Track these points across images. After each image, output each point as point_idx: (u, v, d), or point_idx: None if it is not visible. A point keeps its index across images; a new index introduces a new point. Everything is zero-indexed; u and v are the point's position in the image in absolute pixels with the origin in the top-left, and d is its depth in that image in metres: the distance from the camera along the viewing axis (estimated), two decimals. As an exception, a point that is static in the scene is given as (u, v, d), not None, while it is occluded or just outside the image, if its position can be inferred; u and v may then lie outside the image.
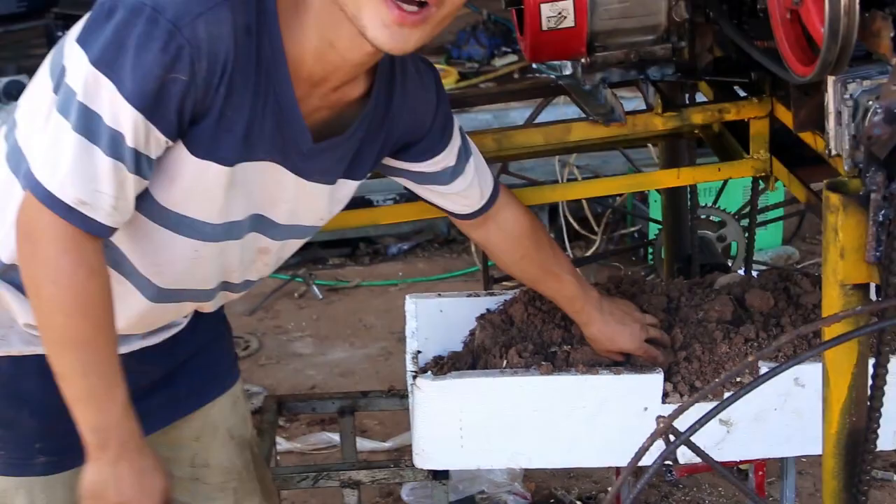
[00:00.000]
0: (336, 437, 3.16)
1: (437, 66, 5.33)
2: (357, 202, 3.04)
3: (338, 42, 1.52)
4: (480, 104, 4.09)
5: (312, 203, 1.71)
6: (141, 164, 1.46)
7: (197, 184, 1.54)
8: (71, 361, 1.51)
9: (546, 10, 1.92)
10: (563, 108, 3.12)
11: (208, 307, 1.83)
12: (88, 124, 1.41)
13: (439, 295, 2.39)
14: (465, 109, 4.34)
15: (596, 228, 4.55)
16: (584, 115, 2.20)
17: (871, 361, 1.62)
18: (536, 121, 2.91)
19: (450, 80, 5.17)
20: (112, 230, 1.50)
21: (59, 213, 1.43)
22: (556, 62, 2.17)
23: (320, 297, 4.60)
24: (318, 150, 1.62)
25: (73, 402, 1.52)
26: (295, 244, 1.80)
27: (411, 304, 2.34)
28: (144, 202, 1.54)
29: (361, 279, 4.71)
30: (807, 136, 1.84)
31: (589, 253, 4.47)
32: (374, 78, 1.65)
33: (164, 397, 1.85)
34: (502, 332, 2.21)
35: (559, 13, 1.93)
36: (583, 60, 2.04)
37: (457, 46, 5.57)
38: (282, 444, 3.47)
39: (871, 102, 1.55)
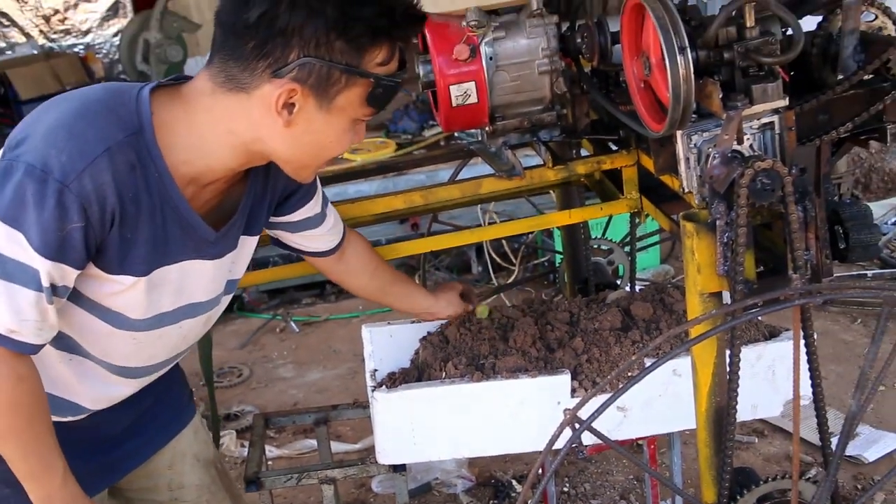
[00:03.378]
0: (315, 443, 3.12)
1: (378, 139, 5.36)
2: None
3: (240, 168, 1.54)
4: (414, 168, 4.09)
5: (226, 269, 1.68)
6: (59, 292, 1.43)
7: (118, 291, 1.50)
8: (12, 449, 1.48)
9: (454, 90, 1.93)
10: (481, 167, 3.13)
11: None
12: (10, 269, 1.37)
13: (389, 323, 2.38)
14: (403, 172, 4.34)
15: (514, 260, 4.57)
16: (493, 172, 2.21)
17: (728, 352, 1.64)
18: (459, 177, 2.93)
19: (389, 150, 5.18)
20: (40, 346, 1.45)
21: None
22: (466, 131, 2.18)
23: (297, 330, 4.57)
24: (221, 235, 1.59)
25: (22, 480, 1.50)
26: (228, 297, 1.76)
27: (367, 332, 2.34)
28: (78, 300, 1.51)
29: (329, 314, 4.68)
30: (666, 178, 1.86)
31: (510, 280, 4.47)
32: None
33: (139, 440, 1.83)
34: (441, 349, 2.21)
35: (465, 92, 1.94)
36: (487, 128, 2.05)
37: (393, 122, 5.59)
38: (272, 451, 3.44)
39: (710, 149, 1.57)
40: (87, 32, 7.53)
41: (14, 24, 7.40)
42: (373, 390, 2.11)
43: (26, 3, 7.37)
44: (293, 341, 4.48)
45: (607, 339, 2.14)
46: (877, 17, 1.74)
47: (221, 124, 1.47)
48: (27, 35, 7.41)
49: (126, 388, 1.70)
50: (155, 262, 1.51)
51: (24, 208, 1.35)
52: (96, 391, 1.65)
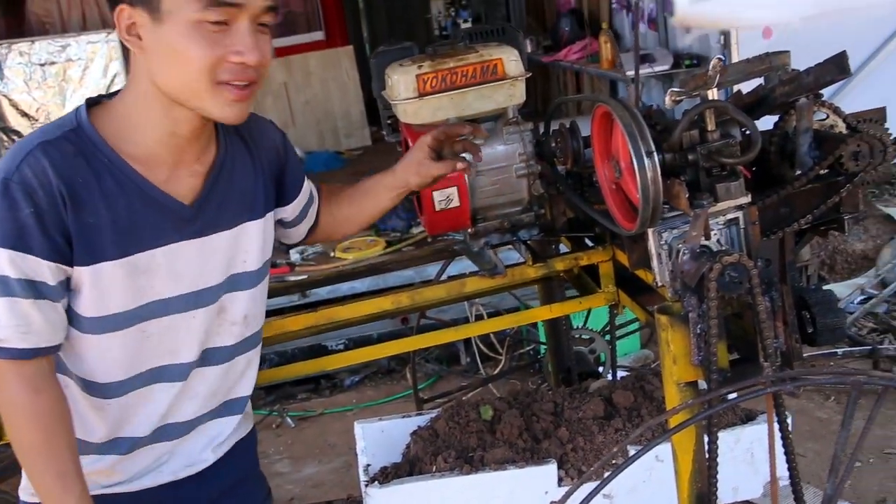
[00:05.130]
0: (312, 538, 3.05)
1: (369, 237, 5.38)
2: (316, 350, 2.86)
3: (178, 129, 1.47)
4: (403, 267, 4.10)
5: (226, 252, 1.58)
6: (38, 289, 1.40)
7: (103, 285, 1.45)
8: (30, 464, 1.45)
9: (437, 195, 1.95)
10: (468, 262, 3.13)
11: (209, 400, 1.65)
12: None
13: (380, 419, 2.36)
14: (394, 270, 4.35)
15: (500, 350, 4.55)
16: (476, 270, 2.22)
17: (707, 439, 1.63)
18: (447, 272, 2.94)
19: (379, 247, 5.19)
20: (37, 350, 1.42)
21: None
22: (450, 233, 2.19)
23: (293, 425, 4.50)
24: (196, 207, 1.52)
25: (40, 497, 1.45)
26: (254, 295, 1.64)
27: (359, 428, 2.31)
28: (80, 324, 1.47)
29: (324, 408, 4.62)
30: (640, 273, 1.86)
31: (497, 370, 4.45)
32: (218, 134, 1.58)
33: None
34: (431, 443, 2.19)
35: (447, 197, 1.96)
36: (469, 230, 2.06)
37: (382, 221, 5.60)
38: (270, 547, 3.36)
39: (680, 245, 1.59)
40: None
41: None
42: (366, 486, 2.08)
43: (37, 120, 7.50)
44: (289, 436, 4.42)
45: (591, 427, 2.12)
46: (828, 116, 1.78)
47: (138, 89, 1.46)
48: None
49: (173, 399, 1.59)
50: (128, 245, 1.46)
51: None
52: (145, 413, 1.58)
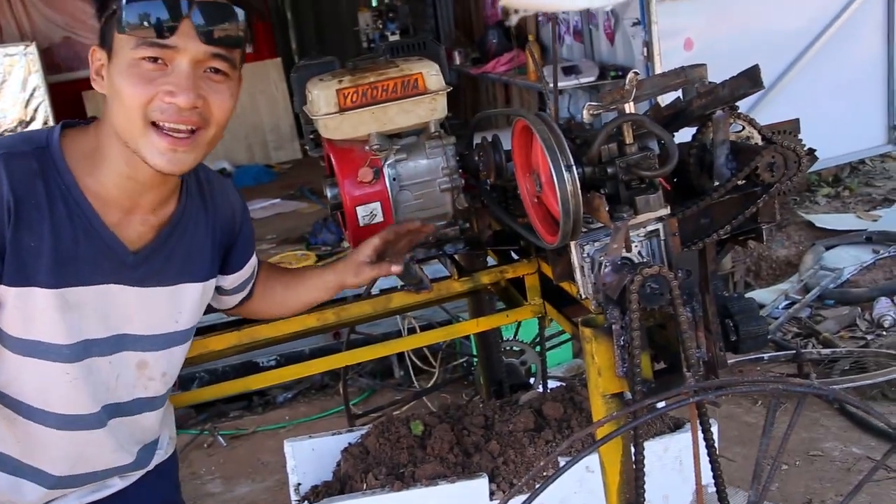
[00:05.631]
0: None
1: (299, 251, 5.33)
2: (247, 367, 2.72)
3: (135, 174, 1.45)
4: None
5: (160, 308, 1.57)
6: None
7: (30, 309, 1.42)
8: None
9: (360, 210, 1.93)
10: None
11: (124, 452, 1.62)
12: None
13: (310, 436, 2.33)
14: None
15: (434, 363, 4.54)
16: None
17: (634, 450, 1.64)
18: (377, 286, 2.92)
19: (310, 261, 5.16)
20: None
21: None
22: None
23: (225, 444, 4.43)
24: (141, 256, 1.51)
25: None
26: (175, 353, 1.63)
27: (289, 447, 2.28)
28: (2, 339, 1.44)
29: (257, 426, 4.56)
30: (565, 285, 1.86)
31: (431, 383, 4.43)
32: (182, 190, 1.58)
33: None
34: (361, 460, 2.17)
35: (371, 212, 1.95)
36: (395, 245, 2.05)
37: (313, 235, 5.57)
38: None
39: (602, 258, 1.59)
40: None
41: None
42: (296, 506, 2.05)
43: None
44: (221, 455, 4.34)
45: (521, 440, 2.12)
46: (744, 128, 1.81)
47: (106, 129, 1.45)
48: None
49: (81, 447, 1.56)
50: (63, 278, 1.43)
51: None
52: (57, 450, 1.54)
